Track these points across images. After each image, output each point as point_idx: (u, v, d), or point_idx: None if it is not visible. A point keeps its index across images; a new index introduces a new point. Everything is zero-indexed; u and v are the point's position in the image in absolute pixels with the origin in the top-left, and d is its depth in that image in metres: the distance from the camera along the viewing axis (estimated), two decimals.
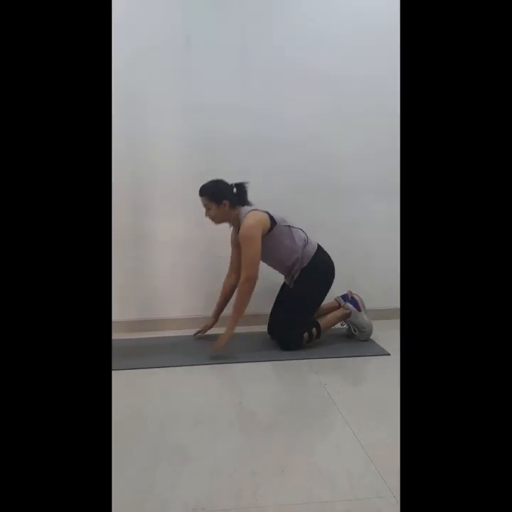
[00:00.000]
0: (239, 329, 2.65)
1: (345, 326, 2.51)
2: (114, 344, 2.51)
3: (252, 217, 2.24)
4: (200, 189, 2.31)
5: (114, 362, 2.13)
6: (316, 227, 2.84)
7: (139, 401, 1.85)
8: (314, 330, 2.35)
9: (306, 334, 2.33)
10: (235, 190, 2.35)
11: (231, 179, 2.75)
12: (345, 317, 2.47)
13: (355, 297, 2.50)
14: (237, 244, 2.42)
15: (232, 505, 1.13)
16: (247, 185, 2.37)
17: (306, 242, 2.37)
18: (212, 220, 2.35)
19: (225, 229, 2.67)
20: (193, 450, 1.40)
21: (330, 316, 2.44)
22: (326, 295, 2.41)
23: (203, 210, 2.60)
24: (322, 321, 2.40)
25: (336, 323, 2.48)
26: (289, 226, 2.34)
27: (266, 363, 2.17)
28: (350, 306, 2.47)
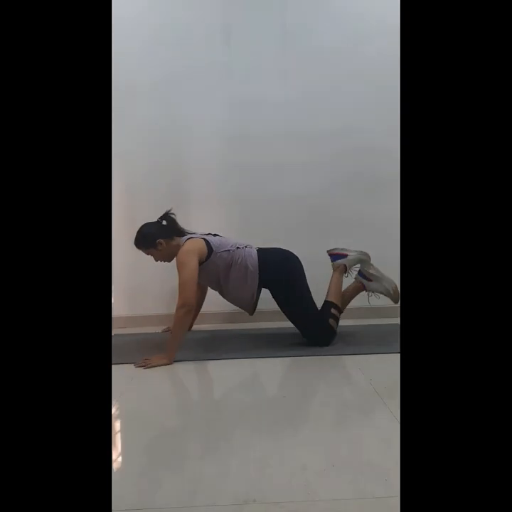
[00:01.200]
0: (275, 324, 2.62)
1: (371, 295, 2.45)
2: (143, 338, 2.54)
3: (187, 244, 2.21)
4: (134, 244, 2.29)
5: (147, 355, 2.15)
6: (353, 222, 2.79)
7: (181, 393, 1.85)
8: (333, 310, 2.31)
9: (331, 320, 2.29)
10: (164, 223, 2.32)
11: (266, 172, 2.74)
12: (360, 290, 2.45)
13: (342, 253, 2.46)
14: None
15: (283, 498, 1.10)
16: (172, 213, 2.33)
17: (249, 256, 2.25)
18: (164, 261, 2.33)
19: (259, 221, 2.65)
20: (239, 442, 1.38)
21: (338, 288, 2.41)
22: (305, 278, 2.33)
23: (241, 203, 2.59)
24: (335, 298, 2.37)
25: (352, 297, 2.46)
26: (229, 251, 2.24)
27: (307, 357, 2.14)
28: (359, 278, 2.44)
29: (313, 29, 2.72)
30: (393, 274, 2.68)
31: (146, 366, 2.05)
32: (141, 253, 2.33)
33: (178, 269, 2.15)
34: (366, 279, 2.41)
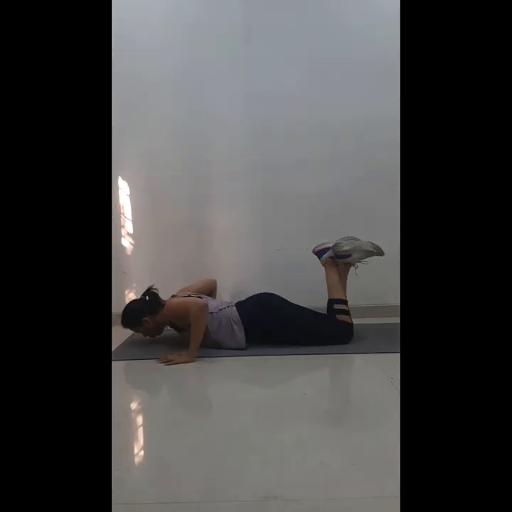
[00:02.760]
0: None
1: (357, 267, 2.40)
2: (166, 334, 2.54)
3: (171, 299, 2.34)
4: (121, 324, 2.37)
5: (170, 351, 2.18)
6: (377, 219, 2.77)
7: (202, 389, 1.87)
8: (336, 305, 2.30)
9: (338, 316, 2.27)
10: (146, 298, 2.37)
11: (289, 168, 2.74)
12: (347, 269, 2.40)
13: (324, 247, 2.41)
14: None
15: (303, 495, 1.10)
16: (155, 288, 2.39)
17: (231, 316, 2.29)
18: (153, 336, 2.40)
19: (282, 217, 2.64)
20: (260, 439, 1.38)
21: (334, 282, 2.36)
22: (286, 303, 2.36)
23: (262, 200, 2.59)
24: (335, 293, 2.34)
25: (345, 279, 2.41)
26: (212, 313, 2.27)
27: (328, 355, 2.13)
28: (340, 260, 2.36)
29: (334, 26, 2.70)
30: None
31: (167, 363, 2.08)
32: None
33: (172, 308, 2.26)
34: (346, 257, 2.35)
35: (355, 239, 2.36)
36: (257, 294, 2.42)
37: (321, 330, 2.27)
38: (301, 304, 2.38)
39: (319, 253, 2.42)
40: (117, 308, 2.91)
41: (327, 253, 2.38)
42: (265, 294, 2.41)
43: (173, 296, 2.40)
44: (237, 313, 2.30)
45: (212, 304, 2.36)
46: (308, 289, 2.51)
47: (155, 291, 2.40)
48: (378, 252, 2.34)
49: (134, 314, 2.35)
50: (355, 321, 2.32)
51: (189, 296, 2.37)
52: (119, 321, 2.37)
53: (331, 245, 2.37)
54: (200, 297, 2.36)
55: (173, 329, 2.38)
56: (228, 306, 2.36)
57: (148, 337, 2.41)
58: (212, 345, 2.27)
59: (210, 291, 2.59)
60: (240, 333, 2.28)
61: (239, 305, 2.36)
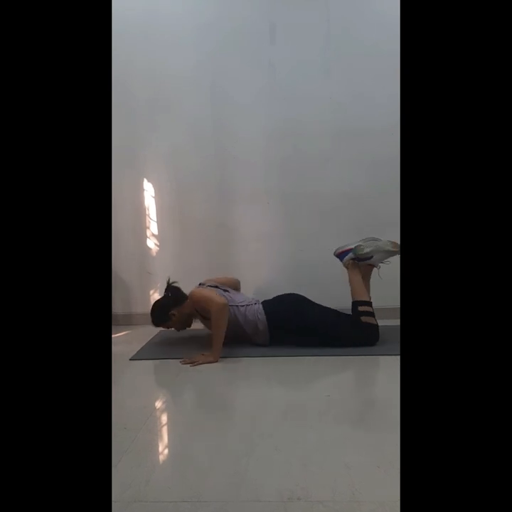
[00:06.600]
0: None
1: (379, 267, 2.38)
2: (190, 334, 2.58)
3: (198, 289, 2.36)
4: (153, 324, 2.43)
5: (194, 351, 2.19)
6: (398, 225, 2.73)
7: (226, 389, 1.87)
8: (360, 307, 2.27)
9: (363, 317, 2.25)
10: (169, 294, 2.40)
11: (311, 168, 2.73)
12: (370, 271, 2.38)
13: (346, 249, 2.36)
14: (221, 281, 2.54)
15: (327, 497, 1.10)
16: (174, 283, 2.42)
17: (257, 313, 2.31)
18: (184, 328, 2.45)
19: (304, 217, 2.62)
20: (283, 439, 1.38)
21: (357, 284, 2.33)
22: (312, 304, 2.36)
23: (284, 199, 2.59)
24: (359, 295, 2.31)
25: (369, 281, 2.40)
26: (238, 306, 2.31)
27: (351, 357, 2.11)
28: (362, 263, 2.33)
29: (357, 26, 2.68)
30: None
31: (192, 364, 2.10)
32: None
33: (195, 302, 2.30)
34: (367, 259, 2.32)
35: (375, 239, 2.33)
36: (283, 294, 2.42)
37: (346, 334, 2.25)
38: (325, 305, 2.37)
39: (340, 255, 2.39)
40: (143, 308, 2.97)
41: (348, 255, 2.35)
42: (291, 294, 2.41)
43: (200, 284, 2.44)
44: (263, 311, 2.31)
45: (239, 297, 2.40)
46: (332, 290, 2.49)
47: (175, 285, 2.44)
48: (399, 250, 2.30)
49: (160, 311, 2.39)
50: (380, 322, 2.29)
51: (216, 287, 2.40)
52: (149, 320, 2.40)
53: (352, 247, 2.34)
54: (227, 290, 2.41)
55: (200, 323, 2.41)
56: (255, 303, 2.37)
57: (180, 330, 2.46)
58: (238, 336, 2.32)
59: (235, 289, 2.59)
60: (263, 332, 2.30)
61: (265, 304, 2.37)
